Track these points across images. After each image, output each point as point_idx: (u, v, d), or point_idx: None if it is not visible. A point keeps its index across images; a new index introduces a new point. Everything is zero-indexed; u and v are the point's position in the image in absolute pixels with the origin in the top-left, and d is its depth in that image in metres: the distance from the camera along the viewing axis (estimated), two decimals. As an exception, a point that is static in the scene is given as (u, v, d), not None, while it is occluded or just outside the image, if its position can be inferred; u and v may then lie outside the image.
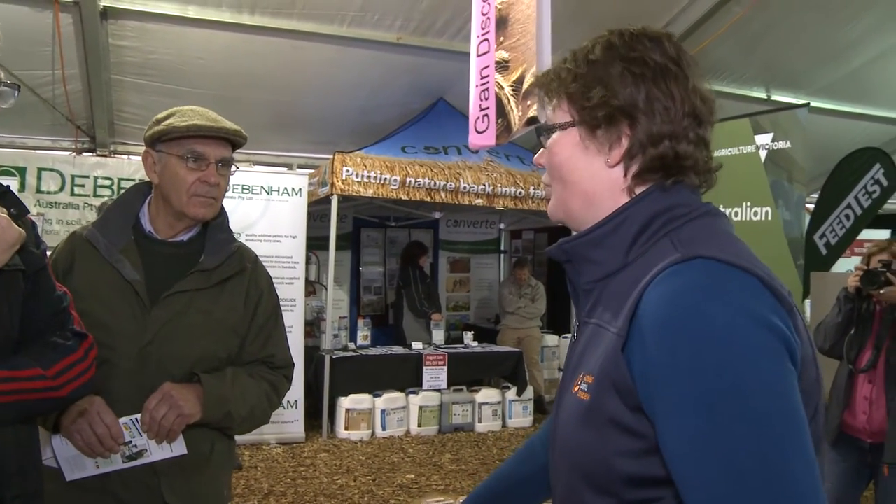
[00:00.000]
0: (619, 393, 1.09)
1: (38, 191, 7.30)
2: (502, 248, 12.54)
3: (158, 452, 2.06)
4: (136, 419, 2.03)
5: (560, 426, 1.25)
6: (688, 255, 1.09)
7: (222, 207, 2.30)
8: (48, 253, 1.87)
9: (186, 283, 2.16)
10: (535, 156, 1.38)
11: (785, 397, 0.99)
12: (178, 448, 2.08)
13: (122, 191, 2.37)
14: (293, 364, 2.42)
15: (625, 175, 1.24)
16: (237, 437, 6.91)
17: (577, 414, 1.17)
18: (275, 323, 2.35)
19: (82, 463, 2.03)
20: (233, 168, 2.24)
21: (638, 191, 1.24)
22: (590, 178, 1.27)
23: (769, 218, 5.96)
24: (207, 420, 2.12)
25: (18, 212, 1.72)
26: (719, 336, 1.00)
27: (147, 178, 2.26)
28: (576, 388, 1.19)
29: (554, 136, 1.31)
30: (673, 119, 1.21)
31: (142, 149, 2.25)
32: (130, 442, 2.03)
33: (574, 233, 1.31)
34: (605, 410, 1.11)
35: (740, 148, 6.24)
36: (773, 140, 6.07)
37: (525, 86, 3.41)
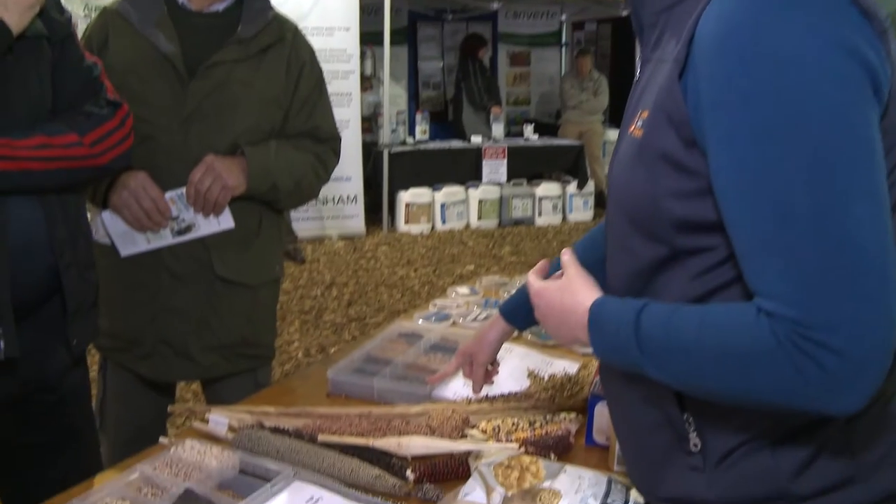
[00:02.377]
0: (673, 125, 0.97)
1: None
2: (564, 40, 12.07)
3: (206, 226, 2.05)
4: (182, 193, 2.01)
5: (615, 174, 1.14)
6: None
7: None
8: (74, 23, 1.80)
9: (224, 54, 2.07)
10: None
11: (855, 130, 0.86)
12: (226, 222, 2.06)
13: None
14: (339, 137, 2.34)
15: None
16: (299, 233, 7.06)
17: (631, 153, 1.06)
18: (319, 94, 2.26)
19: (133, 238, 2.04)
20: None
21: None
22: None
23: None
24: (253, 192, 2.08)
25: None
26: (783, 58, 0.86)
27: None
28: (632, 128, 1.07)
29: None
30: None
31: None
32: (178, 216, 2.03)
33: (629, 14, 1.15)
34: (657, 145, 1.00)
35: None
36: None
37: None
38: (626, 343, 1.00)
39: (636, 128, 1.05)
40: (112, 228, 2.03)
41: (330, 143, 2.30)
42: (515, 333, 1.73)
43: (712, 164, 0.93)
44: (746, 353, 0.89)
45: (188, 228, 2.05)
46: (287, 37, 2.19)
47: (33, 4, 1.57)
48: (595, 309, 1.08)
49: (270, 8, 2.17)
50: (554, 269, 1.32)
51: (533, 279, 1.25)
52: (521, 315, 1.65)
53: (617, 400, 1.22)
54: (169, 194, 2.01)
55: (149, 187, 1.99)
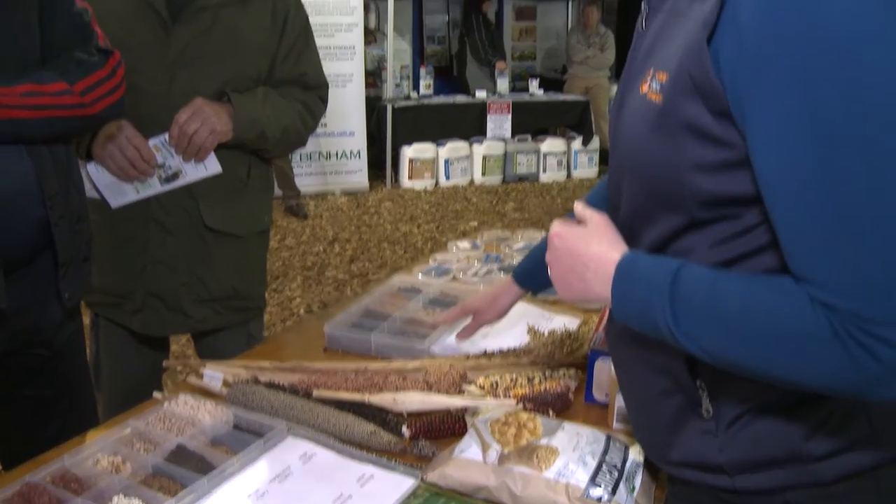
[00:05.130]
0: (700, 94, 0.90)
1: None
2: (571, -6, 11.92)
3: (194, 172, 2.02)
4: (165, 139, 1.98)
5: (623, 134, 1.06)
6: None
7: None
8: None
9: None
10: None
11: None
12: (213, 166, 2.03)
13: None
14: (327, 85, 2.30)
15: None
16: (302, 189, 7.01)
17: (647, 119, 0.98)
18: (305, 41, 2.21)
19: (122, 189, 2.01)
20: None
21: None
22: None
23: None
24: (240, 140, 2.05)
25: None
26: (843, 31, 0.79)
27: None
28: (645, 88, 0.99)
29: None
30: None
31: None
32: (164, 163, 2.00)
33: None
34: (682, 114, 0.92)
35: None
36: None
37: None
38: (657, 305, 0.94)
39: (651, 91, 0.98)
40: (99, 181, 2.00)
41: (317, 90, 2.26)
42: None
43: (753, 142, 0.87)
44: (799, 339, 0.86)
45: (175, 175, 2.02)
46: None
47: None
48: (625, 263, 1.01)
49: None
50: None
51: (558, 221, 1.16)
52: (534, 278, 1.64)
53: (626, 365, 1.18)
54: (152, 141, 1.98)
55: (132, 136, 1.96)
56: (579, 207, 1.14)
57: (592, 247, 1.06)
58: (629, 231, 1.08)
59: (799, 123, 0.82)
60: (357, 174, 7.80)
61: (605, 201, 1.25)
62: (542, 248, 1.61)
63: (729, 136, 0.90)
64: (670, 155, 0.95)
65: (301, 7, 2.23)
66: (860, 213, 0.81)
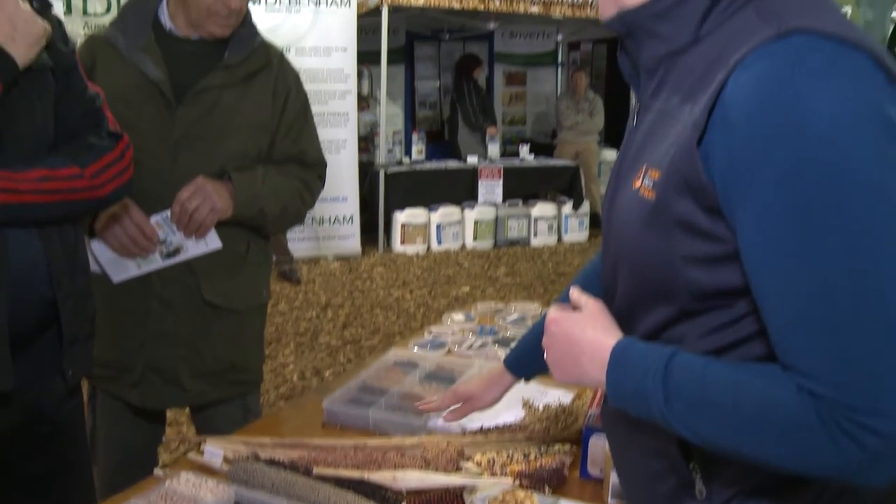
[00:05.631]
0: (692, 192, 0.94)
1: (85, 13, 7.10)
2: (559, 60, 12.13)
3: (195, 248, 2.07)
4: (167, 216, 2.03)
5: (617, 227, 1.11)
6: (783, 31, 0.89)
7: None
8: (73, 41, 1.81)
9: (212, 80, 2.09)
10: None
11: (894, 208, 0.85)
12: (213, 242, 2.08)
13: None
14: (325, 163, 2.36)
15: None
16: (294, 254, 7.05)
17: (641, 214, 1.02)
18: (304, 119, 2.28)
19: (124, 265, 2.06)
20: None
21: None
22: None
23: (847, 18, 5.56)
24: (240, 217, 2.11)
25: (41, 5, 1.65)
26: (823, 134, 0.84)
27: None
28: (638, 183, 1.03)
29: None
30: None
31: None
32: (165, 239, 2.05)
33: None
34: (674, 211, 0.97)
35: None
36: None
37: None
38: (651, 391, 0.97)
39: (645, 188, 1.02)
40: (101, 256, 2.04)
41: (316, 168, 2.32)
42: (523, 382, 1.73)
43: (743, 237, 0.91)
44: (786, 427, 0.88)
45: (177, 251, 2.06)
46: (273, 62, 2.21)
47: (41, 38, 1.58)
48: (619, 349, 1.04)
49: (257, 34, 2.20)
50: None
51: (554, 307, 1.20)
52: (526, 365, 1.66)
53: (621, 446, 1.21)
54: (154, 218, 2.02)
55: (133, 214, 2.00)
56: (575, 294, 1.17)
57: (588, 333, 1.10)
58: (624, 318, 1.12)
59: (784, 220, 0.87)
60: (350, 239, 7.85)
61: (596, 280, 1.30)
62: (533, 334, 1.65)
63: (719, 232, 0.94)
64: (663, 249, 1.00)
65: (301, 86, 2.30)
66: (841, 304, 0.85)
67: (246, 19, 2.17)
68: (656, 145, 1.04)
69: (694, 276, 0.98)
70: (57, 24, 1.70)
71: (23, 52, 1.54)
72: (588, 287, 1.26)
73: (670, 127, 1.01)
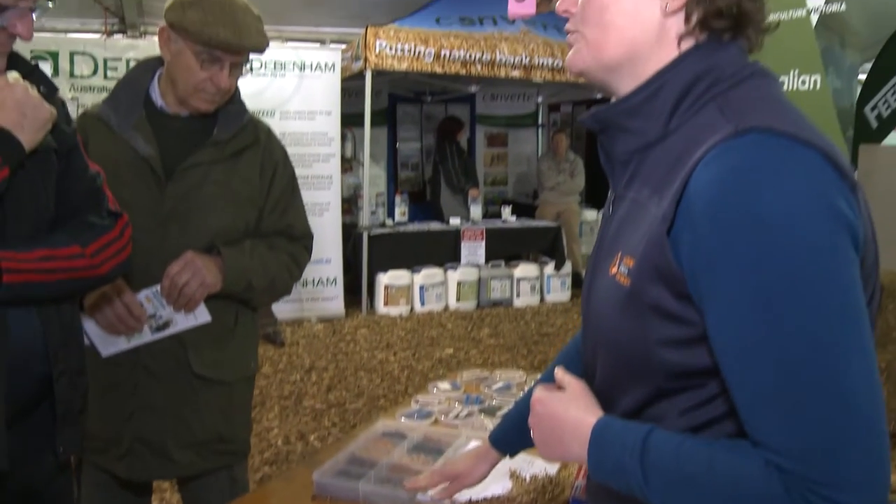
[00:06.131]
0: (662, 280, 1.02)
1: (72, 75, 7.17)
2: (540, 121, 12.33)
3: (184, 322, 2.10)
4: (157, 291, 2.06)
5: (595, 310, 1.18)
6: (741, 129, 0.97)
7: None
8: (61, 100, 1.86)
9: (201, 156, 2.14)
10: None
11: (846, 291, 0.93)
12: (202, 316, 2.11)
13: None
14: (312, 235, 2.41)
15: (686, 20, 1.10)
16: (278, 316, 7.02)
17: (617, 300, 1.10)
18: (291, 193, 2.34)
19: (114, 339, 2.08)
20: (246, 67, 2.16)
21: (685, 45, 1.11)
22: (638, 25, 1.12)
23: (818, 87, 5.68)
24: (229, 291, 2.14)
25: (48, 90, 1.70)
26: (779, 225, 0.92)
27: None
28: (614, 270, 1.11)
29: None
30: None
31: None
32: (155, 314, 2.07)
33: (604, 97, 1.21)
34: (648, 297, 1.04)
35: (790, 12, 5.93)
36: (826, 2, 5.75)
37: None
38: (629, 467, 1.03)
39: (620, 274, 1.09)
40: (90, 330, 2.06)
41: (303, 240, 2.37)
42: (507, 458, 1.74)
43: (710, 321, 0.98)
44: (757, 500, 0.94)
45: (166, 324, 2.09)
46: (261, 138, 2.27)
47: (47, 122, 1.63)
48: (599, 427, 1.10)
49: (245, 111, 2.25)
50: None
51: (539, 387, 1.25)
52: (510, 442, 1.68)
53: None
54: (144, 293, 2.06)
55: (121, 292, 2.03)
56: (559, 373, 1.24)
57: (571, 411, 1.16)
58: (605, 397, 1.18)
59: (746, 307, 0.94)
60: (333, 301, 7.86)
61: (577, 357, 1.38)
62: (516, 412, 1.68)
63: (689, 316, 1.01)
64: (638, 332, 1.06)
65: (288, 160, 2.35)
66: (801, 383, 0.91)
67: (234, 96, 2.23)
68: (630, 234, 1.11)
69: (667, 358, 1.04)
70: (61, 106, 1.76)
71: (30, 137, 1.59)
72: (570, 365, 1.33)
73: (643, 217, 1.09)
